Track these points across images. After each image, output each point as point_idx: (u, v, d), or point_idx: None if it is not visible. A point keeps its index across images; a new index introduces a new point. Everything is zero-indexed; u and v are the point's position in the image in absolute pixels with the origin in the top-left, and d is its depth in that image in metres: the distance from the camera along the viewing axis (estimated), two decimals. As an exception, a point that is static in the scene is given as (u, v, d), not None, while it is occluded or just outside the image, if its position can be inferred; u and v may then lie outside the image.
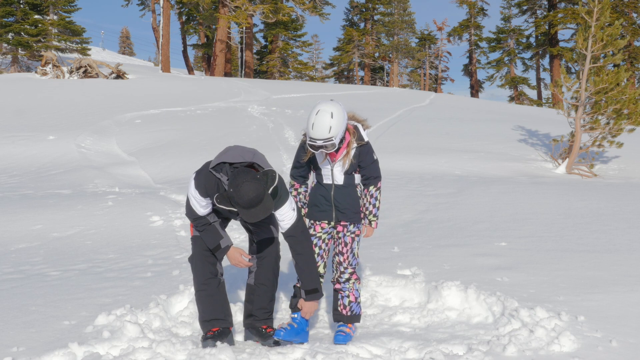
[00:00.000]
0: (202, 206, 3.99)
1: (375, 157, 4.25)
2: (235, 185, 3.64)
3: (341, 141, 4.11)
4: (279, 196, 3.94)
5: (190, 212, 4.06)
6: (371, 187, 4.27)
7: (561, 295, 4.73)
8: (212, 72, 39.20)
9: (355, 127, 4.18)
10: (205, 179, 3.90)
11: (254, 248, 4.29)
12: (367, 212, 4.30)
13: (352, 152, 4.14)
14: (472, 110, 24.09)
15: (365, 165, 4.21)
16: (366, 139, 4.19)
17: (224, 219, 4.22)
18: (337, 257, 4.32)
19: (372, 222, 4.31)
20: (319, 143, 3.93)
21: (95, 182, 11.57)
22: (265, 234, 4.23)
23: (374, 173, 4.25)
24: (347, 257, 4.29)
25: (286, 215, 4.00)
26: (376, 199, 4.27)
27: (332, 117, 3.93)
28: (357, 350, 3.90)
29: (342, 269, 4.29)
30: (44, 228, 7.69)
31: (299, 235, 4.05)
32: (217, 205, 3.80)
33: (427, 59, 62.19)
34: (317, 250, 4.30)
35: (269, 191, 3.75)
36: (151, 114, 20.08)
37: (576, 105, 13.91)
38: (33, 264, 6.20)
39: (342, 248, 4.29)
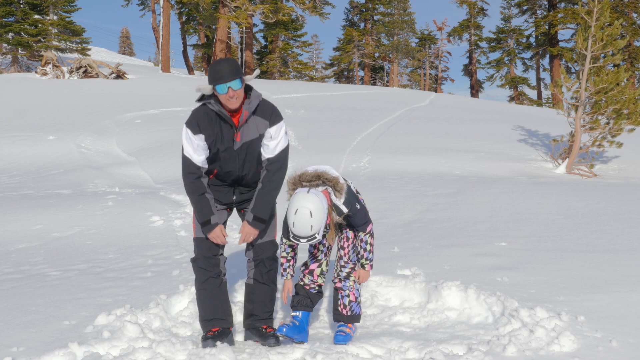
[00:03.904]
0: (195, 149, 3.94)
1: (358, 206, 4.14)
2: (211, 67, 3.88)
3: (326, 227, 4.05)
4: (274, 113, 3.99)
5: (186, 165, 3.99)
6: (360, 233, 4.24)
7: (561, 295, 4.73)
8: (212, 72, 39.12)
9: (333, 205, 4.04)
10: (195, 115, 3.97)
11: (253, 249, 4.28)
12: (359, 257, 4.28)
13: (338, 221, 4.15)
14: (472, 110, 24.08)
15: (351, 216, 4.15)
16: (346, 210, 4.07)
17: (224, 204, 4.17)
18: (338, 252, 4.35)
19: (365, 266, 4.27)
20: (303, 241, 3.88)
21: (95, 182, 11.58)
22: (264, 237, 4.23)
23: (360, 221, 4.18)
24: (348, 251, 4.30)
25: (279, 136, 4.00)
26: (367, 242, 4.23)
27: (311, 216, 3.80)
28: (357, 350, 3.90)
29: (342, 263, 4.30)
30: (44, 228, 7.69)
31: (283, 160, 4.04)
32: (209, 84, 3.84)
33: (427, 59, 62.21)
34: (320, 247, 4.33)
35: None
36: (151, 114, 20.08)
37: (576, 105, 13.91)
38: (33, 264, 6.20)
39: (344, 243, 4.31)
